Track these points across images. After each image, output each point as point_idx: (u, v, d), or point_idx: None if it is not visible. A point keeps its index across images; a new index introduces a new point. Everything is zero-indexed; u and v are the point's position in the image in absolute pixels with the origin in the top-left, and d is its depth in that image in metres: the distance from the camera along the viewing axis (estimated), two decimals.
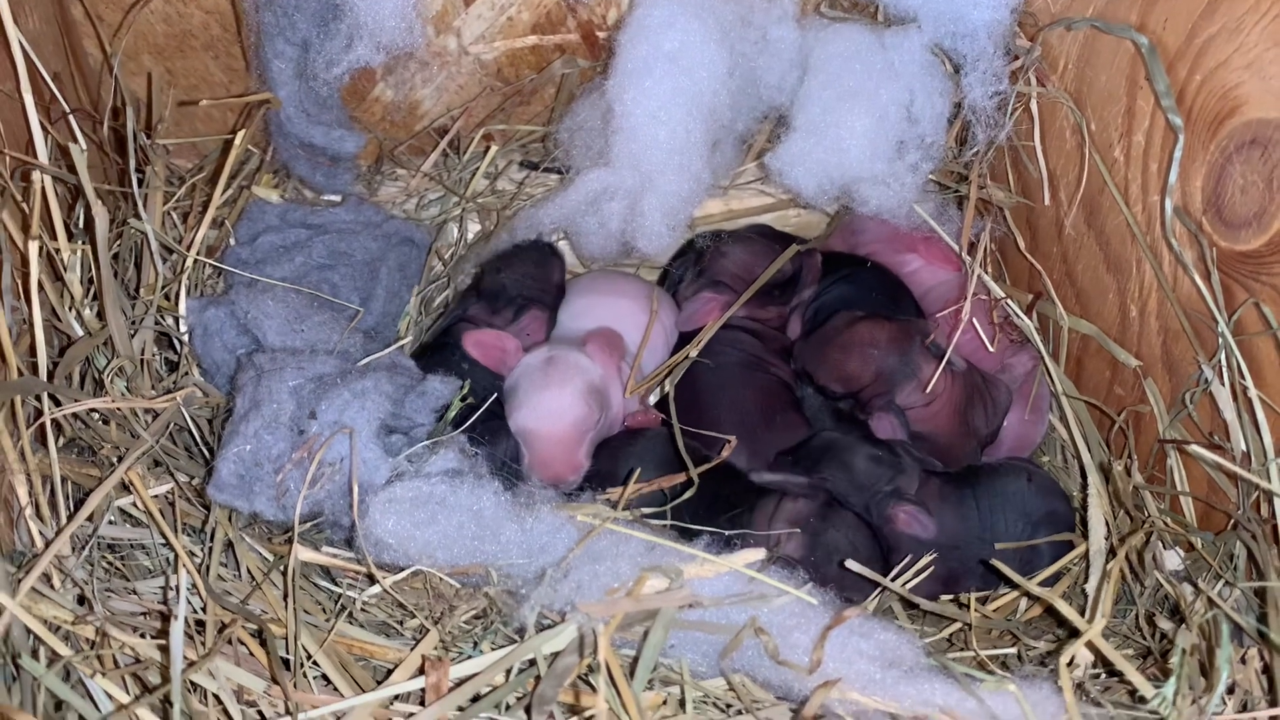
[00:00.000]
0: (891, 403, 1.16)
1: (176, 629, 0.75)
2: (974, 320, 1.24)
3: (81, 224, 1.12)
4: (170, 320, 1.10)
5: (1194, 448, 1.00)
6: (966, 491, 1.13)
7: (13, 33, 0.96)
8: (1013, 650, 1.01)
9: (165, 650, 0.83)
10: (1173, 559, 1.02)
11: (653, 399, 1.36)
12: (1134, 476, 1.10)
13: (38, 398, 0.96)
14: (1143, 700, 0.83)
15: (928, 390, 1.17)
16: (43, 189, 0.96)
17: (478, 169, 1.43)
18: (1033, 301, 1.26)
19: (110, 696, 0.80)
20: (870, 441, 1.16)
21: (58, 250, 1.01)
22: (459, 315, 1.29)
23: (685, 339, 1.29)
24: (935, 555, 1.08)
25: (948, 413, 1.18)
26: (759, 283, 1.28)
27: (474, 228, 1.43)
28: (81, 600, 0.89)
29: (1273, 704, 0.83)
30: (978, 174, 1.26)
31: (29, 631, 0.81)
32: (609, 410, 1.21)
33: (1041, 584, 1.01)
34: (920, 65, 1.25)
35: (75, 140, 1.04)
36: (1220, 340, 0.99)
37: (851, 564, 0.99)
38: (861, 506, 1.11)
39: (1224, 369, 0.99)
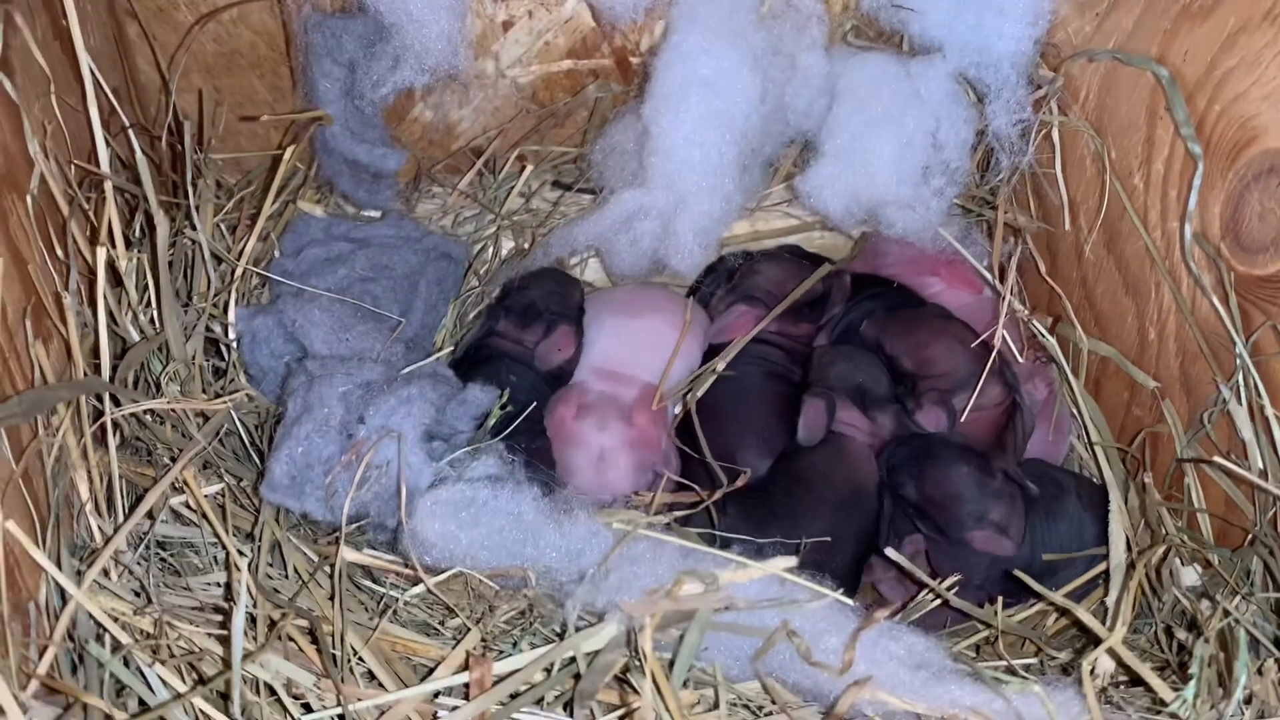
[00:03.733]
0: (948, 400, 1.19)
1: (238, 618, 0.79)
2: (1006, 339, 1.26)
3: (139, 233, 1.16)
4: (219, 327, 1.13)
5: (1217, 459, 1.03)
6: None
7: (84, 58, 1.00)
8: (1035, 660, 1.04)
9: (222, 641, 0.86)
10: (1190, 575, 1.05)
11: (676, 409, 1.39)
12: (1150, 493, 1.12)
13: (98, 398, 0.99)
14: (1163, 704, 0.86)
15: (982, 398, 1.18)
16: (109, 199, 1.00)
17: (513, 188, 1.47)
18: (1053, 324, 1.29)
19: (166, 684, 0.84)
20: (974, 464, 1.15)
21: (117, 258, 1.05)
22: (489, 329, 1.31)
23: (714, 350, 1.32)
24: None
25: (986, 422, 1.21)
26: (791, 297, 1.31)
27: (508, 244, 1.46)
28: (137, 594, 0.92)
29: None
30: (1004, 199, 1.29)
31: (92, 619, 0.85)
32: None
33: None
34: (945, 93, 1.29)
35: (133, 154, 1.08)
36: (1238, 362, 1.02)
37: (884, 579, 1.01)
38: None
39: (1241, 389, 1.02)
